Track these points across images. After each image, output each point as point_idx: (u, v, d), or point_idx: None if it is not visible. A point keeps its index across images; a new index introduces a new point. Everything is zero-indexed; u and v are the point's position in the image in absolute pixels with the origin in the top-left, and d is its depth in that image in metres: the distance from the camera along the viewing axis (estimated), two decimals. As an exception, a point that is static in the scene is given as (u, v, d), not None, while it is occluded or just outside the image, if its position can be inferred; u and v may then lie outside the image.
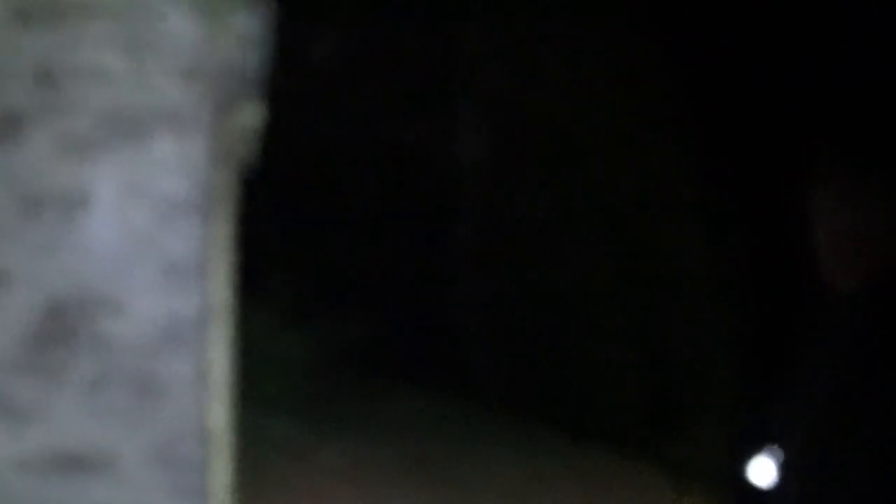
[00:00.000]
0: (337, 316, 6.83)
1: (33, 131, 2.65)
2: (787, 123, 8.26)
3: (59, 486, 2.63)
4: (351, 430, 6.84)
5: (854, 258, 1.58)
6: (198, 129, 2.67)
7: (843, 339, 1.57)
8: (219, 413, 3.35)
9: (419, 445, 6.72)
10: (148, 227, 2.65)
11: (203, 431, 2.70)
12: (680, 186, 10.61)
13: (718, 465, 7.06)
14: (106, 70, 2.65)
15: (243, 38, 2.87)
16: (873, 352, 1.50)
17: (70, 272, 2.64)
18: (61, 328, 2.63)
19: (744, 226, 10.39)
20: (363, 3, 11.65)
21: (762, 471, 1.88)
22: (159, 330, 2.66)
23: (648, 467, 7.09)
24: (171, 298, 2.66)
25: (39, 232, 2.64)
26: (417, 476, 6.00)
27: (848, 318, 1.59)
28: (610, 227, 10.48)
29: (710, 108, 10.06)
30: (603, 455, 7.36)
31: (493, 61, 11.32)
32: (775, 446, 1.85)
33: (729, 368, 10.03)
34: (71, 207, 2.64)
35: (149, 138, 2.65)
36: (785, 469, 1.61)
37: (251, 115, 3.48)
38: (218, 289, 3.20)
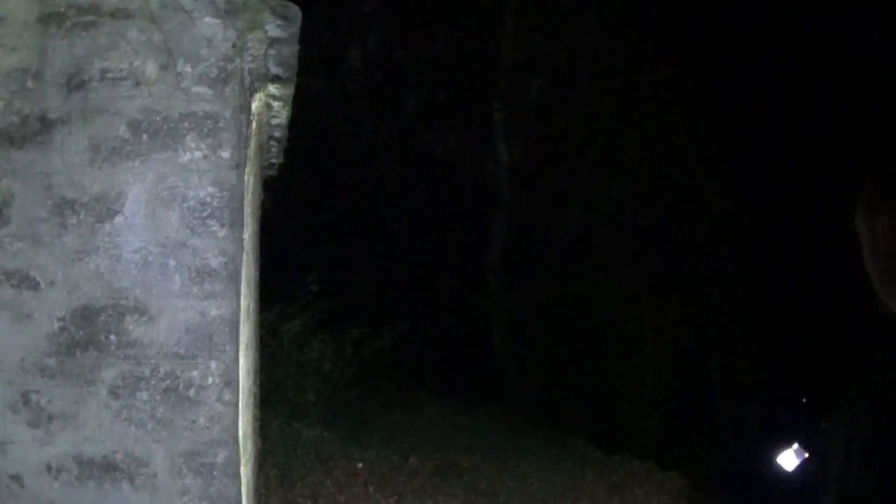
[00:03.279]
0: (369, 324, 6.86)
1: (66, 136, 2.66)
2: (834, 142, 8.14)
3: (88, 491, 2.63)
4: (383, 437, 6.84)
5: None
6: (228, 134, 2.67)
7: (889, 356, 1.56)
8: (248, 418, 3.35)
9: (451, 454, 6.71)
10: (178, 233, 2.66)
11: (232, 436, 2.69)
12: (715, 199, 10.53)
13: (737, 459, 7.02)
14: (138, 75, 2.67)
15: (273, 44, 2.88)
16: None
17: (100, 277, 2.65)
18: (91, 333, 2.64)
19: (782, 239, 10.28)
20: (400, 14, 11.72)
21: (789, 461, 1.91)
22: (189, 335, 2.65)
23: (679, 478, 7.03)
24: (200, 304, 2.66)
25: (70, 236, 2.65)
26: (449, 484, 5.98)
27: (893, 336, 1.57)
28: (644, 239, 10.42)
29: (747, 121, 9.95)
30: (633, 466, 7.31)
31: (528, 73, 11.33)
32: (799, 445, 1.85)
33: (762, 381, 9.93)
34: (102, 212, 2.65)
35: (180, 144, 2.66)
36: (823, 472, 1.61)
37: (281, 122, 3.49)
38: (247, 294, 3.20)
